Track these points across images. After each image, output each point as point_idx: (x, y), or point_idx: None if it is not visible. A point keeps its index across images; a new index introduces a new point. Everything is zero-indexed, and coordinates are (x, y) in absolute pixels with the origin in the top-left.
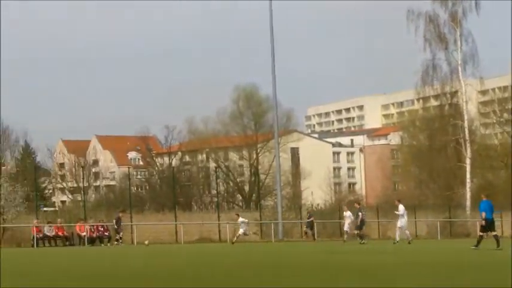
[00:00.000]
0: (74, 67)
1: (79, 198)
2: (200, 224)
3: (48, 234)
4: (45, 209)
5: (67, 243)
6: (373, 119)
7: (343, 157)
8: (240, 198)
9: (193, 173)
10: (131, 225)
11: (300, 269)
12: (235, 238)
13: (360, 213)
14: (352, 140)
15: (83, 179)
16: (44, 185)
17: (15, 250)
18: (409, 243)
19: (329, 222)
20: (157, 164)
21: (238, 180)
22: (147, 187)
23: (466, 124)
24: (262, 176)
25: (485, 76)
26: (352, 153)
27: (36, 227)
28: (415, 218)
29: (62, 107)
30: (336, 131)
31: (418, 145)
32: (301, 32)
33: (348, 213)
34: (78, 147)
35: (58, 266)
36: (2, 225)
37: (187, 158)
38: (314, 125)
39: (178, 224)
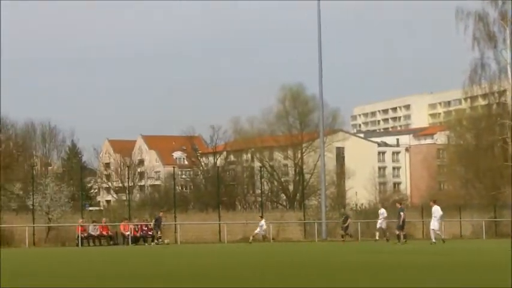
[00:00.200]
0: (121, 68)
1: (124, 198)
2: (244, 224)
3: (92, 233)
4: (90, 208)
5: (111, 242)
6: (420, 119)
7: (388, 157)
8: (284, 197)
9: (238, 172)
10: (175, 224)
11: (343, 268)
12: (251, 238)
13: (401, 213)
14: (397, 140)
15: (128, 178)
16: (89, 185)
17: (60, 249)
18: (431, 243)
19: (373, 222)
20: (202, 163)
21: (282, 179)
22: (192, 187)
23: None
24: (306, 176)
25: None
26: (398, 152)
27: (81, 226)
28: (460, 218)
29: (109, 107)
30: (381, 130)
31: (464, 144)
32: (348, 32)
33: (381, 211)
34: (124, 147)
35: (96, 265)
36: (47, 224)
37: (232, 158)
38: (360, 125)
39: (222, 223)
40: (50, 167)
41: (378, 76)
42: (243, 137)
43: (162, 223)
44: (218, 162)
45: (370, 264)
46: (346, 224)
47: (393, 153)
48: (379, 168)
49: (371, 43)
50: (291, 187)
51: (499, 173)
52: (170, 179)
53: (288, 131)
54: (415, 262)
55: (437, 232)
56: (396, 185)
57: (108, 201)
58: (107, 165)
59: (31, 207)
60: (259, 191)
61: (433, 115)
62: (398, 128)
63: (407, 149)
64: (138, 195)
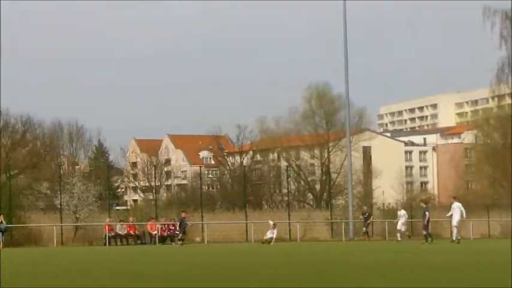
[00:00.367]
0: (147, 67)
1: (151, 197)
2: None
3: (120, 232)
4: (117, 207)
5: (138, 241)
6: (447, 118)
7: (415, 156)
8: (311, 197)
9: (264, 172)
10: (202, 224)
11: (366, 268)
12: (266, 241)
13: (426, 213)
14: (424, 139)
15: (155, 178)
16: (116, 184)
17: (87, 249)
18: (451, 241)
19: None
20: (229, 163)
21: (309, 179)
22: (218, 186)
23: None
24: (333, 175)
25: None
26: (425, 152)
27: (108, 225)
28: (489, 218)
29: (135, 107)
30: (408, 129)
31: (492, 144)
32: (374, 31)
33: (402, 212)
34: (150, 147)
35: (121, 264)
36: (75, 224)
37: (258, 157)
38: (386, 124)
39: (249, 222)
40: (77, 167)
41: (405, 75)
42: (269, 137)
43: (189, 223)
44: (244, 162)
45: (394, 264)
46: (369, 221)
47: (420, 152)
48: (406, 167)
49: (398, 42)
50: (317, 186)
51: None
52: (197, 179)
53: (314, 131)
54: (440, 261)
55: (455, 228)
56: (423, 184)
57: (135, 201)
58: (134, 164)
59: (59, 206)
60: (286, 191)
61: (460, 114)
62: (425, 127)
63: (434, 149)
64: (164, 194)
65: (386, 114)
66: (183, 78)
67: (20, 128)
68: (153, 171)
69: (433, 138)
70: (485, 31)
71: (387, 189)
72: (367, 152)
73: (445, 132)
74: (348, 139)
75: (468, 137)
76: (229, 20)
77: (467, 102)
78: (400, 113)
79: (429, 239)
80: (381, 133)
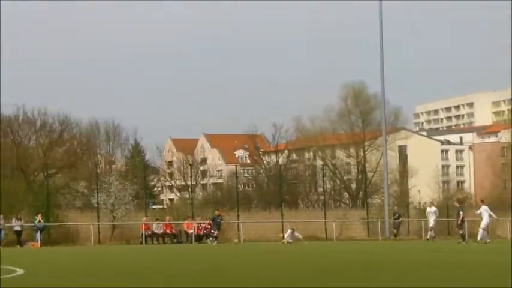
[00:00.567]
0: (183, 66)
1: (187, 196)
2: (306, 222)
3: (156, 231)
4: (153, 206)
5: (175, 240)
6: (483, 116)
7: (451, 155)
8: (347, 196)
9: (300, 171)
10: (238, 223)
11: (409, 267)
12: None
13: (460, 212)
14: (461, 138)
15: (191, 177)
16: (152, 183)
17: (124, 247)
18: (475, 241)
19: (437, 221)
20: (264, 162)
21: (345, 178)
22: (254, 185)
23: None
24: (369, 174)
25: None
26: (461, 151)
27: (145, 224)
28: None
29: (171, 106)
30: (444, 128)
31: None
32: (411, 30)
33: (432, 209)
34: (186, 146)
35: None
36: (112, 222)
37: (294, 156)
38: (422, 123)
39: (285, 221)
40: (113, 166)
41: (441, 74)
42: (305, 136)
43: (222, 221)
44: (280, 161)
45: (437, 263)
46: (399, 220)
47: (457, 151)
48: (443, 166)
49: (434, 41)
50: (353, 185)
51: None
52: (232, 178)
53: (350, 129)
54: (474, 261)
55: (480, 231)
56: (460, 183)
57: (171, 200)
58: (170, 163)
59: (96, 205)
60: (322, 190)
61: (496, 113)
62: (462, 126)
63: (471, 147)
64: (200, 193)
65: (422, 113)
66: (219, 77)
67: (58, 127)
68: (189, 170)
69: (469, 137)
70: None
71: (423, 188)
72: (403, 151)
73: (482, 131)
74: (383, 138)
75: (505, 136)
76: (259, 20)
77: (504, 101)
78: (436, 111)
79: (465, 239)
80: (416, 132)
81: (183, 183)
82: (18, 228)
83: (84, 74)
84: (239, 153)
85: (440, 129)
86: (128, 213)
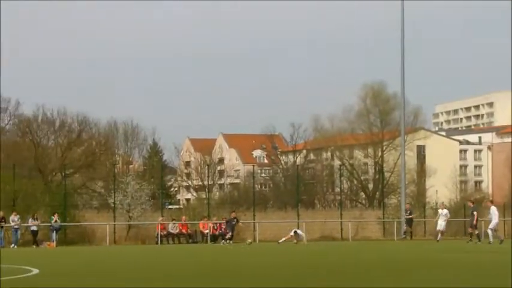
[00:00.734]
0: (201, 66)
1: (203, 196)
2: (323, 222)
3: (172, 231)
4: (170, 206)
5: (190, 240)
6: (503, 116)
7: (470, 155)
8: (364, 196)
9: (317, 171)
10: (254, 223)
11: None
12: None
13: (474, 213)
14: (480, 138)
15: (208, 177)
16: (169, 183)
17: (139, 247)
18: (481, 241)
19: (454, 221)
20: (282, 162)
21: (362, 178)
22: (271, 185)
23: None
24: (386, 174)
25: None
26: (480, 151)
27: (161, 224)
28: None
29: (190, 106)
30: (464, 128)
31: None
32: (430, 29)
33: (444, 211)
34: (204, 146)
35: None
36: (128, 222)
37: (312, 156)
38: (442, 123)
39: (301, 222)
40: (131, 166)
41: (461, 74)
42: (323, 135)
43: (237, 223)
44: (298, 161)
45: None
46: (410, 217)
47: (475, 151)
48: (461, 166)
49: (453, 40)
50: (370, 185)
51: None
52: (250, 178)
53: (369, 130)
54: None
55: (489, 231)
56: (478, 183)
57: (187, 200)
58: (187, 163)
59: (112, 205)
60: (339, 190)
61: None
62: (481, 126)
63: (489, 147)
64: (217, 193)
65: (442, 113)
66: (237, 77)
67: (76, 127)
68: (207, 170)
69: (488, 137)
70: None
71: (441, 189)
72: (421, 151)
73: (501, 131)
74: (402, 138)
75: None
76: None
77: None
78: (455, 111)
79: (477, 239)
80: (435, 132)
81: (200, 183)
82: (34, 228)
83: (102, 74)
84: (257, 153)
85: (460, 129)
86: (144, 213)
